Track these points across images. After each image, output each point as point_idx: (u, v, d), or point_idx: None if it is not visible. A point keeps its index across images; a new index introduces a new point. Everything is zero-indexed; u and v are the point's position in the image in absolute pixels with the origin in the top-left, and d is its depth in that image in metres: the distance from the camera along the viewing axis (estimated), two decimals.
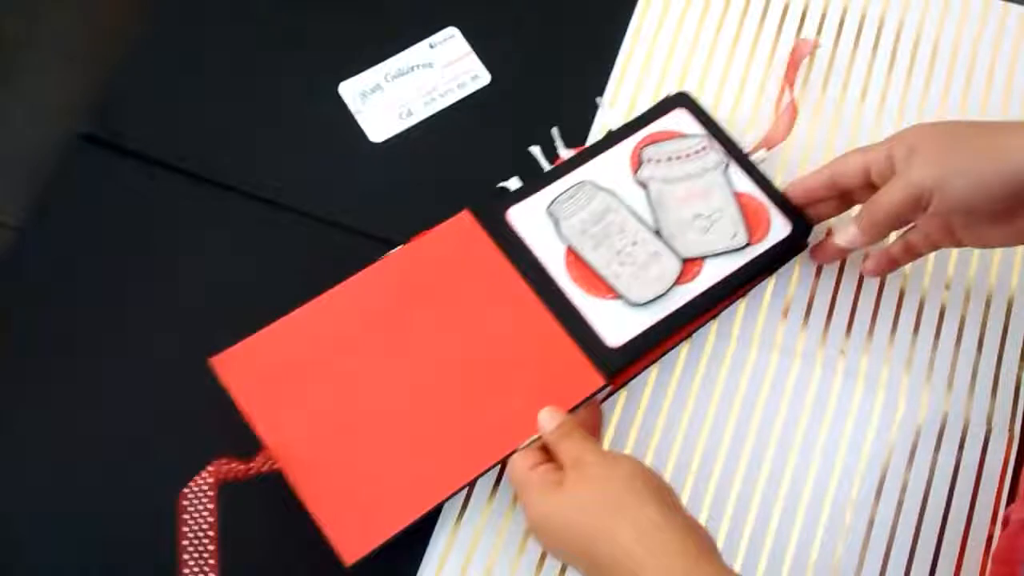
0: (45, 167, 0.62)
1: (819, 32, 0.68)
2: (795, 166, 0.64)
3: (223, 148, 0.63)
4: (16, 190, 0.62)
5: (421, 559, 0.55)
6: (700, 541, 0.45)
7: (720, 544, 0.56)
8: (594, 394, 0.55)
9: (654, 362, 0.59)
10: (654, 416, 0.58)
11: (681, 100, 0.63)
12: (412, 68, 0.66)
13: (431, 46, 0.66)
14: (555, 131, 0.63)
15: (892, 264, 0.59)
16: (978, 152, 0.49)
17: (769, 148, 0.62)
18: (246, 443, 0.55)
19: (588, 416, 0.55)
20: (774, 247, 0.59)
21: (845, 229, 0.56)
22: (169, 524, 0.54)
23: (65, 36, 0.67)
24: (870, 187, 0.55)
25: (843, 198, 0.58)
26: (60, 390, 0.57)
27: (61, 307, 0.59)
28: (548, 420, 0.52)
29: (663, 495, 0.47)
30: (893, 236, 0.57)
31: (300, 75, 0.65)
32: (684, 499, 0.57)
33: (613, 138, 0.62)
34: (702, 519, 0.56)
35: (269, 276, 0.60)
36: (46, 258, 0.60)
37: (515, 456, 0.51)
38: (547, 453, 0.52)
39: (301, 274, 0.57)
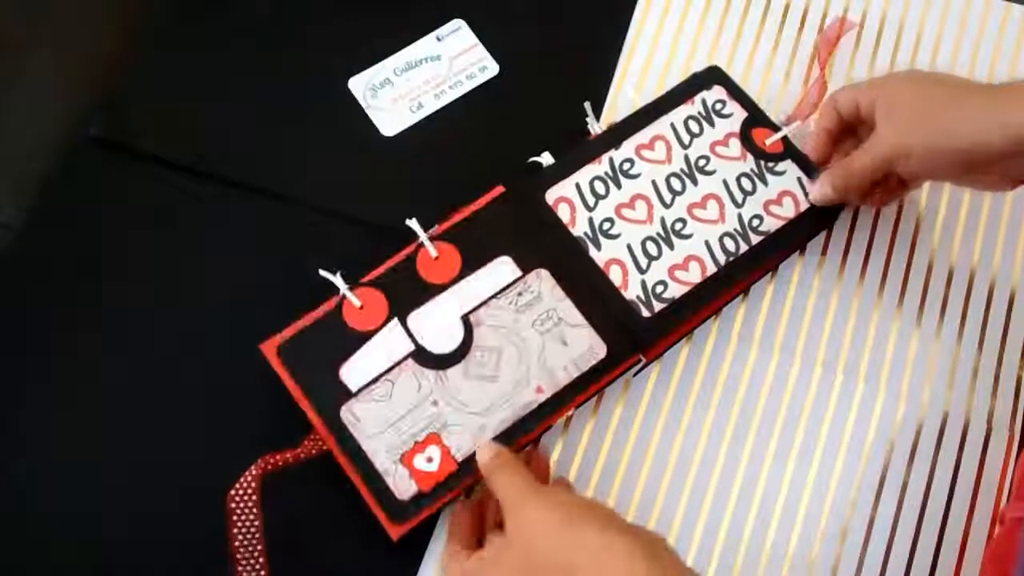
0: (45, 167, 0.62)
1: (819, 33, 0.68)
2: None
3: (230, 147, 0.63)
4: (16, 190, 0.62)
5: (421, 559, 0.55)
6: (645, 547, 0.46)
7: (720, 543, 0.56)
8: (628, 368, 0.57)
9: (690, 332, 0.60)
10: (654, 416, 0.58)
11: (714, 75, 0.63)
12: (420, 61, 0.66)
13: (438, 39, 0.67)
14: (587, 105, 0.63)
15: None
16: (940, 127, 0.54)
17: (803, 120, 0.63)
18: (245, 443, 0.55)
19: (531, 460, 0.55)
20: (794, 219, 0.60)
21: (818, 186, 0.59)
22: (169, 523, 0.55)
23: (66, 36, 0.66)
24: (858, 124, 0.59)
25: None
26: (60, 390, 0.57)
27: (61, 307, 0.59)
28: (484, 450, 0.52)
29: (604, 517, 0.47)
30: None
31: (308, 72, 0.65)
32: (683, 499, 0.57)
33: (645, 115, 0.62)
34: (701, 519, 0.56)
35: (280, 274, 0.60)
36: (46, 258, 0.60)
37: (447, 544, 0.52)
38: (471, 535, 0.52)
39: (315, 270, 0.57)
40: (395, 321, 0.56)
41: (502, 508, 0.49)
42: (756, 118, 0.62)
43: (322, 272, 0.56)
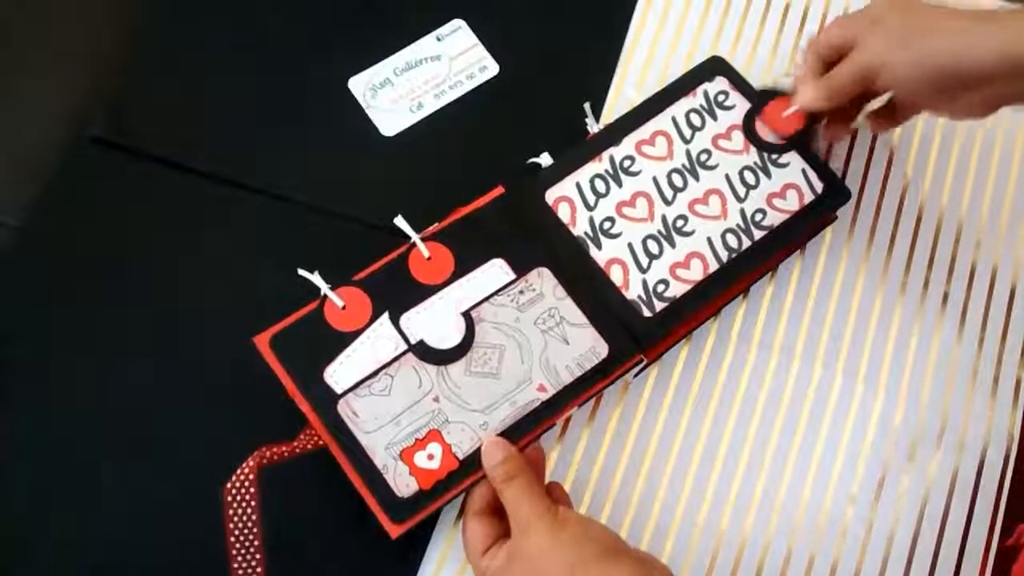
0: (45, 167, 0.62)
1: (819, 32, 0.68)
2: None
3: (231, 146, 0.63)
4: (16, 190, 0.62)
5: (421, 559, 0.55)
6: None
7: (719, 545, 0.56)
8: (630, 368, 0.56)
9: (691, 332, 0.60)
10: (653, 417, 0.58)
11: (717, 65, 0.63)
12: (420, 61, 0.66)
13: (438, 39, 0.67)
14: (587, 106, 0.63)
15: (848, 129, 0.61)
16: (926, 45, 0.52)
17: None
18: (246, 442, 0.55)
19: (532, 454, 0.54)
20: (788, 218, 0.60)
21: (805, 89, 0.58)
22: (168, 523, 0.55)
23: (67, 36, 0.66)
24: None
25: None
26: (60, 390, 0.57)
27: (61, 307, 0.59)
28: (493, 452, 0.52)
29: (607, 548, 0.48)
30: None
31: (308, 71, 0.65)
32: (682, 500, 0.57)
33: (646, 110, 0.62)
34: (699, 520, 0.56)
35: (280, 273, 0.60)
36: (46, 258, 0.60)
37: (468, 533, 0.51)
38: (494, 512, 0.52)
39: (313, 270, 0.57)
40: (385, 321, 0.56)
41: (510, 521, 0.49)
42: (764, 100, 0.62)
43: (301, 272, 0.56)
